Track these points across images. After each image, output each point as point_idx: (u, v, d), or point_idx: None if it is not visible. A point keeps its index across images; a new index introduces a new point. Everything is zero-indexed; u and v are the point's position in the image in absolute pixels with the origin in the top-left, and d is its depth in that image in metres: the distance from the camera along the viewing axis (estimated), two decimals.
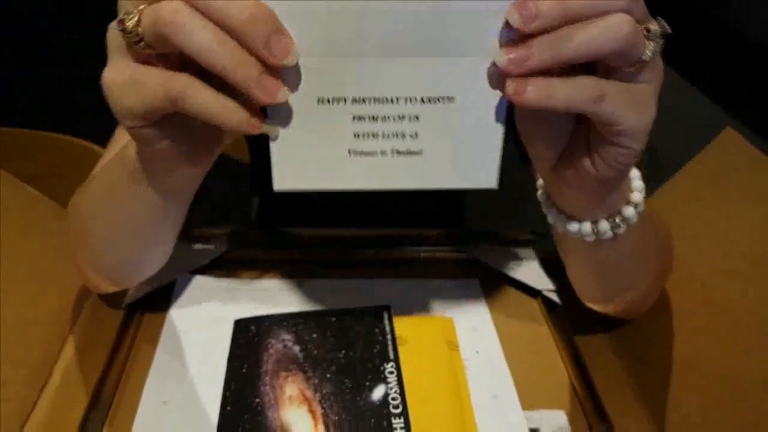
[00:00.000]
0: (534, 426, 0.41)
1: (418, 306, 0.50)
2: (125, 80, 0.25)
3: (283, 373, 0.42)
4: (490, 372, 0.45)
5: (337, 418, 0.39)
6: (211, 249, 0.53)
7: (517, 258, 0.56)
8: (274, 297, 0.50)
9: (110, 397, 0.41)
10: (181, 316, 0.48)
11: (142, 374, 0.43)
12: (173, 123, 0.27)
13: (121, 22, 0.24)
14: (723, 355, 0.40)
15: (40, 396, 0.42)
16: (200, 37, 0.23)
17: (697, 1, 0.74)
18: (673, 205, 0.50)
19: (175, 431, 0.39)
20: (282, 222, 0.67)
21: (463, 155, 0.28)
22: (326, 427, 0.38)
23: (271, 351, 0.44)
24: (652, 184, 0.53)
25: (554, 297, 0.52)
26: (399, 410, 0.40)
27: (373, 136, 0.27)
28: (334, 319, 0.46)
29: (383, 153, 0.27)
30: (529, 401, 0.43)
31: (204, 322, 0.47)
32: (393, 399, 0.40)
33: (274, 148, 0.27)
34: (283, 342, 0.44)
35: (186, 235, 0.53)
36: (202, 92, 0.24)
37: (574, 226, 0.33)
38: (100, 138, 0.60)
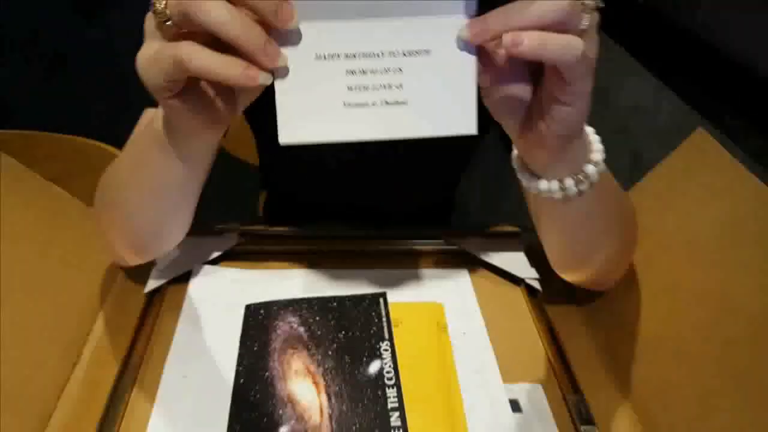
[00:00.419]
0: (513, 397, 0.46)
1: (412, 293, 0.55)
2: (149, 58, 0.31)
3: (290, 351, 0.47)
4: (475, 351, 0.50)
5: (337, 388, 0.44)
6: (224, 242, 0.58)
7: (503, 249, 0.61)
8: (281, 284, 0.55)
9: (135, 374, 0.46)
10: (198, 301, 0.53)
11: (163, 353, 0.48)
12: (194, 90, 0.32)
13: (152, 4, 0.30)
14: (685, 335, 0.45)
15: (72, 372, 0.47)
16: (217, 14, 0.28)
17: (669, 10, 0.78)
18: (647, 200, 0.54)
19: (194, 401, 0.44)
20: (286, 218, 0.72)
21: (442, 103, 0.33)
22: (328, 396, 0.43)
23: (279, 331, 0.49)
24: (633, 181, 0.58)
25: (536, 284, 0.57)
26: (392, 382, 0.45)
27: (364, 88, 0.32)
28: (335, 304, 0.52)
29: (374, 104, 0.32)
30: (509, 376, 0.48)
31: (218, 307, 0.52)
32: (387, 373, 0.45)
33: (280, 105, 0.32)
34: (290, 324, 0.49)
35: (201, 230, 0.58)
36: (202, 53, 0.29)
37: (543, 184, 0.38)
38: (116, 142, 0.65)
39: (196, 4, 0.28)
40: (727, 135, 0.60)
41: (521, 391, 0.47)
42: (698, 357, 0.44)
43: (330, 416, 0.42)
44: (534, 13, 0.29)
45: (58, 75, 1.42)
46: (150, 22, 0.31)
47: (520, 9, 0.29)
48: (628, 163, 0.82)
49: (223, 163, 0.39)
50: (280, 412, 0.42)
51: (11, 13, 1.41)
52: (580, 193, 0.38)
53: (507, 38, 0.29)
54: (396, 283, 0.56)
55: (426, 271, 0.58)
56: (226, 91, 0.34)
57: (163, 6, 0.29)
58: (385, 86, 0.32)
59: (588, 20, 0.30)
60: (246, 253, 0.59)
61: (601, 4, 0.31)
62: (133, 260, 0.51)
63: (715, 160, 0.51)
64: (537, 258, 0.58)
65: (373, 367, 0.46)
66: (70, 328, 0.49)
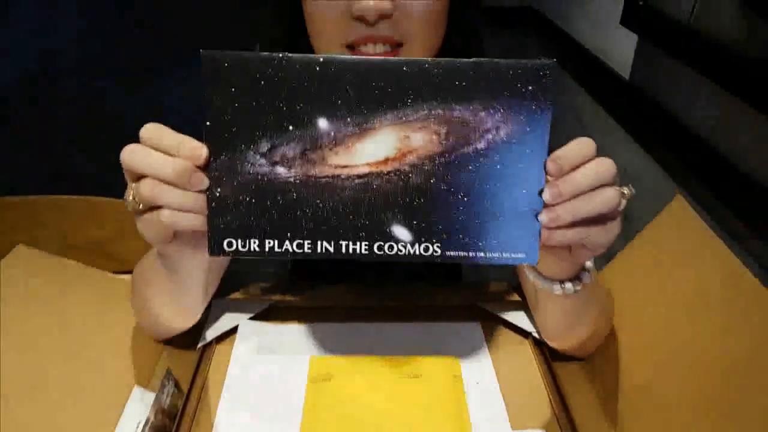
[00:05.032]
0: None
1: (430, 345, 0.62)
2: (142, 228, 0.42)
3: None
4: (486, 399, 0.56)
5: None
6: (262, 302, 0.67)
7: (512, 303, 0.67)
8: (310, 335, 0.63)
9: (194, 409, 0.54)
10: (243, 351, 0.61)
11: (216, 398, 0.56)
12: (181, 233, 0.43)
13: (125, 199, 0.41)
14: (668, 388, 0.51)
15: None
16: (174, 200, 0.39)
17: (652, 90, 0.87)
18: (633, 263, 0.62)
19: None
20: (311, 275, 0.79)
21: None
22: None
23: None
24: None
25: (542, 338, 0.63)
26: None
27: None
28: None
29: None
30: (517, 422, 0.54)
31: (260, 356, 0.60)
32: None
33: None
34: None
35: (246, 292, 0.67)
36: (177, 215, 0.39)
37: (550, 285, 0.47)
38: None
39: (158, 196, 0.39)
40: (697, 201, 0.68)
41: None
42: (682, 408, 0.50)
43: None
44: (592, 207, 0.39)
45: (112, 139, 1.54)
46: (128, 207, 0.42)
47: (585, 205, 0.39)
48: None
49: None
50: None
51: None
52: (575, 292, 0.47)
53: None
54: (414, 336, 0.63)
55: (441, 325, 0.65)
56: None
57: (132, 200, 0.41)
58: None
59: (624, 204, 0.41)
60: (281, 309, 0.67)
61: (634, 192, 0.41)
62: (152, 336, 0.61)
63: (691, 228, 0.58)
64: None
65: None
66: (130, 380, 0.57)
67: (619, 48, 0.96)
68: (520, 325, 0.65)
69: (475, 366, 0.60)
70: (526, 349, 0.63)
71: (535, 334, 0.64)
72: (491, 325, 0.66)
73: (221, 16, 1.44)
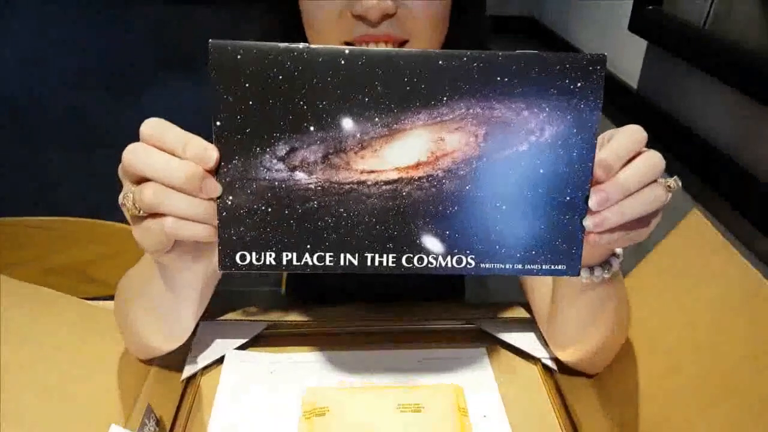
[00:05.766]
0: None
1: (433, 373, 0.58)
2: (141, 234, 0.37)
3: None
4: None
5: None
6: (252, 328, 0.62)
7: (519, 328, 0.63)
8: (303, 365, 0.58)
9: None
10: (230, 382, 0.56)
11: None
12: (180, 243, 0.38)
13: (123, 204, 0.36)
14: (689, 417, 0.47)
15: None
16: (179, 206, 0.34)
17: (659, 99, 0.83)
18: (647, 280, 0.58)
19: None
20: (307, 296, 0.75)
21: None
22: None
23: None
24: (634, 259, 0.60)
25: (552, 364, 0.59)
26: None
27: None
28: None
29: None
30: None
31: (247, 388, 0.55)
32: None
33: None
34: None
35: (231, 319, 0.62)
36: (181, 224, 0.35)
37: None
38: None
39: (163, 203, 0.34)
40: (715, 216, 0.64)
41: None
42: None
43: None
44: (642, 208, 0.36)
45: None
46: (126, 211, 0.37)
47: (632, 206, 0.36)
48: None
49: None
50: None
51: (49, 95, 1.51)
52: (603, 279, 0.44)
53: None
54: (415, 363, 0.59)
55: (445, 351, 0.61)
56: None
57: (131, 205, 0.36)
58: None
59: (670, 197, 0.37)
60: (272, 336, 0.62)
61: (680, 185, 0.38)
62: (138, 355, 0.56)
63: (709, 242, 0.54)
64: None
65: None
66: (112, 415, 0.52)
67: (626, 56, 0.93)
68: (527, 350, 0.61)
69: (482, 397, 0.56)
70: (535, 375, 0.59)
71: (545, 360, 0.59)
72: (497, 349, 0.62)
73: (212, 20, 1.40)
